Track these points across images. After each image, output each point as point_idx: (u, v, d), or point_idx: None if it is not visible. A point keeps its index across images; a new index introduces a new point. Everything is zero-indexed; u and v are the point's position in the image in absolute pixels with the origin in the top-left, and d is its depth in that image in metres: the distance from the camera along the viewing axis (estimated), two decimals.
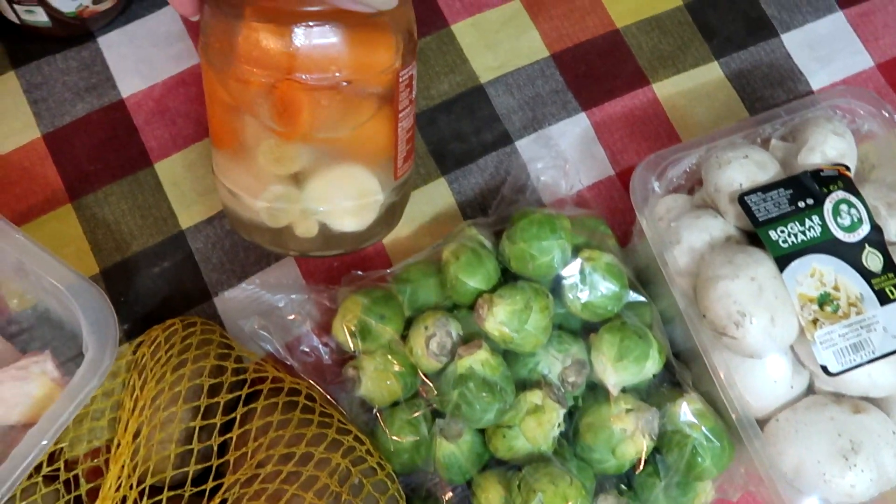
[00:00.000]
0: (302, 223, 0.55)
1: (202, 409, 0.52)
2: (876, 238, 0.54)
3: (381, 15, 0.47)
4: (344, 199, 0.54)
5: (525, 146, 0.67)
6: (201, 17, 0.51)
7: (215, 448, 0.53)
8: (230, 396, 0.54)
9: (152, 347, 0.55)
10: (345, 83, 0.49)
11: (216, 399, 0.53)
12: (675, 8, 0.72)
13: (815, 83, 0.71)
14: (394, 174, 0.56)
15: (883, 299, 0.53)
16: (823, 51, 0.72)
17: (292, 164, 0.52)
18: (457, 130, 0.67)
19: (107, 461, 0.56)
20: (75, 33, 0.66)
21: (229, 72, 0.50)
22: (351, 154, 0.53)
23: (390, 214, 0.58)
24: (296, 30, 0.47)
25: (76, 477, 0.55)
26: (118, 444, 0.53)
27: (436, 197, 0.66)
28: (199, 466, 0.52)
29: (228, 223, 0.63)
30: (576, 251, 0.58)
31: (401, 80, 0.52)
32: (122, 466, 0.51)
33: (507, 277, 0.59)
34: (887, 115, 0.60)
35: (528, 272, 0.57)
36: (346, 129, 0.52)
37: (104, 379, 0.50)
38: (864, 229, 0.54)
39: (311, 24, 0.47)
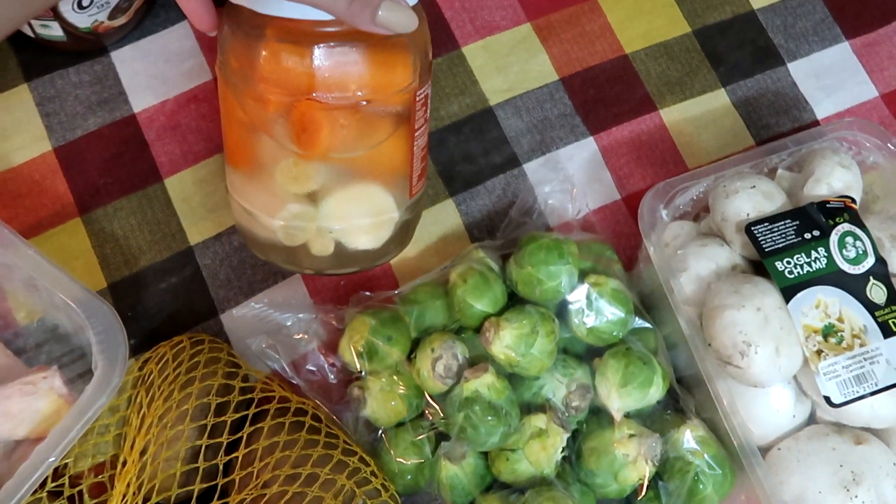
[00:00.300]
0: (318, 241, 0.55)
1: (209, 428, 0.53)
2: (880, 270, 0.55)
3: (399, 35, 0.47)
4: (360, 218, 0.55)
5: (533, 169, 0.68)
6: (219, 35, 0.51)
7: (221, 467, 0.53)
8: (237, 415, 0.54)
9: (160, 364, 0.56)
10: (364, 102, 0.50)
11: (223, 418, 0.53)
12: (684, 35, 0.72)
13: (821, 112, 0.71)
14: (409, 192, 0.56)
15: (886, 332, 0.53)
16: (829, 80, 0.72)
17: (310, 182, 0.53)
18: (465, 152, 0.68)
19: (111, 477, 0.56)
20: (89, 48, 0.67)
21: (248, 91, 0.50)
22: (368, 172, 0.54)
23: (404, 232, 0.59)
24: (316, 50, 0.47)
25: (80, 493, 0.56)
26: (124, 463, 0.53)
27: (444, 218, 0.66)
28: (205, 485, 0.52)
29: (244, 242, 0.63)
30: (582, 276, 0.59)
31: (417, 99, 0.52)
32: (128, 484, 0.51)
33: (514, 301, 0.59)
34: (892, 147, 0.61)
35: (535, 296, 0.58)
36: (363, 148, 0.53)
37: (112, 396, 0.50)
38: (869, 262, 0.55)
39: (331, 44, 0.48)
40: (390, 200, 0.55)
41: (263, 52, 0.49)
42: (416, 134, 0.54)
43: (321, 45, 0.47)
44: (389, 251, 0.58)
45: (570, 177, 0.68)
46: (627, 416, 0.57)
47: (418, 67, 0.51)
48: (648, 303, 0.61)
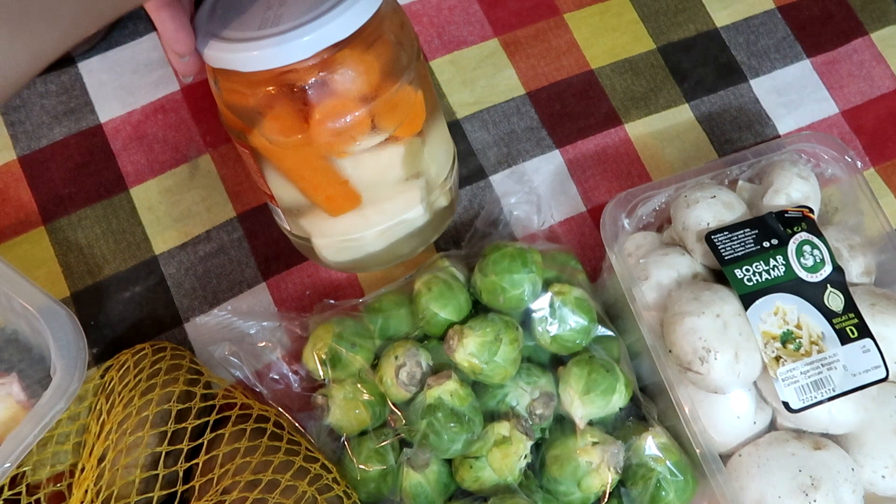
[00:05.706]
0: (437, 199, 0.59)
1: (169, 435, 0.52)
2: (837, 279, 0.56)
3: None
4: (444, 167, 0.59)
5: (499, 181, 0.69)
6: (226, 118, 0.51)
7: (181, 474, 0.53)
8: (198, 422, 0.54)
9: (121, 371, 0.55)
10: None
11: (184, 424, 0.53)
12: (649, 51, 0.74)
13: (782, 128, 0.73)
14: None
15: (843, 338, 0.54)
16: (790, 97, 0.74)
17: (421, 153, 0.55)
18: None
19: (70, 486, 0.56)
20: None
21: (322, 138, 0.49)
22: (438, 122, 0.57)
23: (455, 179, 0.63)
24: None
25: (38, 501, 0.55)
26: (82, 469, 0.53)
27: None
28: (164, 492, 0.52)
29: (352, 271, 0.65)
30: (546, 285, 0.59)
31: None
32: (86, 491, 0.50)
33: (478, 309, 0.59)
34: (850, 160, 0.62)
35: (499, 305, 0.58)
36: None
37: (71, 402, 0.50)
38: (827, 270, 0.56)
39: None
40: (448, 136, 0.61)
41: (314, 116, 0.48)
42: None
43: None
44: (456, 200, 0.64)
45: (535, 189, 0.68)
46: (591, 423, 0.58)
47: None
48: (612, 312, 0.62)
